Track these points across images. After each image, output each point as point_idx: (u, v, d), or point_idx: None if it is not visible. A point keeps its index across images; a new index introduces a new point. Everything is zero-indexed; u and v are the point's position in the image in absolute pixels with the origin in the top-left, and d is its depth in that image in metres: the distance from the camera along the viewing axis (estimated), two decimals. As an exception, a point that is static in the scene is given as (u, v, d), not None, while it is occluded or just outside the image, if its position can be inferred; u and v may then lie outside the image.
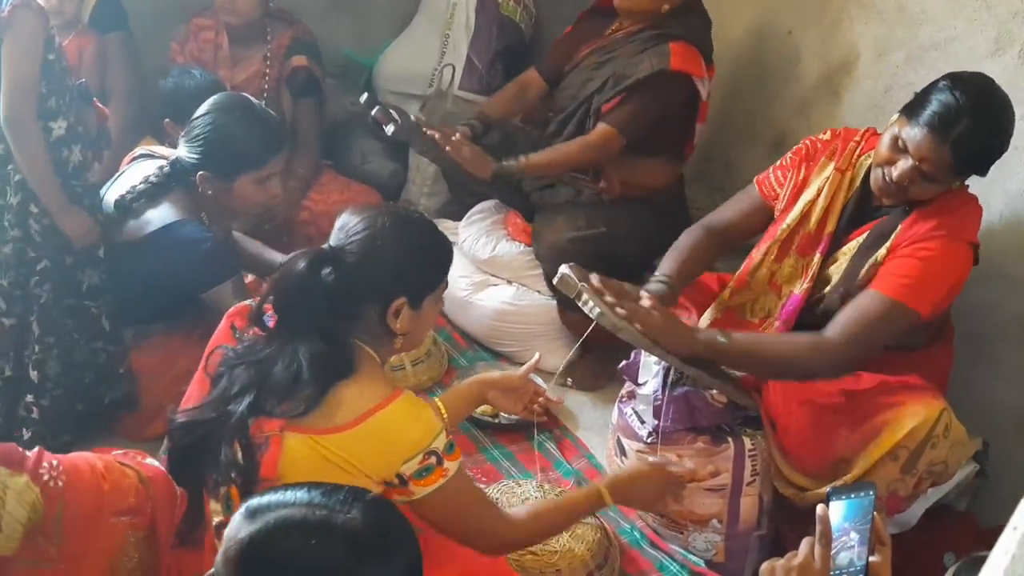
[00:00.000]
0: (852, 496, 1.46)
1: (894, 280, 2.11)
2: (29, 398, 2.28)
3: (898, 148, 2.10)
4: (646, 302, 2.19)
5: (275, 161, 2.46)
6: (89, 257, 2.32)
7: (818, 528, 1.41)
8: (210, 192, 2.42)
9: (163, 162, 2.46)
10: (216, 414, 1.68)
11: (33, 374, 2.27)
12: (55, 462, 1.70)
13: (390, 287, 1.70)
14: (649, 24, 2.88)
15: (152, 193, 2.39)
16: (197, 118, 2.43)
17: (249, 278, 2.67)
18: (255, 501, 1.21)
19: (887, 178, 2.13)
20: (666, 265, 2.42)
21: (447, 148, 2.84)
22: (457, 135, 2.90)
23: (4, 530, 1.59)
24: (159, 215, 2.38)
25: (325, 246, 1.73)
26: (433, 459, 1.65)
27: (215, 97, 2.47)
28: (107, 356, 2.40)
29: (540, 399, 2.23)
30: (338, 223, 1.75)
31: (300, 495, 1.21)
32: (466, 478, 1.76)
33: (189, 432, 1.71)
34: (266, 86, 3.26)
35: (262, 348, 1.71)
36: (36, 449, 1.72)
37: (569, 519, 1.95)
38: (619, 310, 2.13)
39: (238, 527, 1.19)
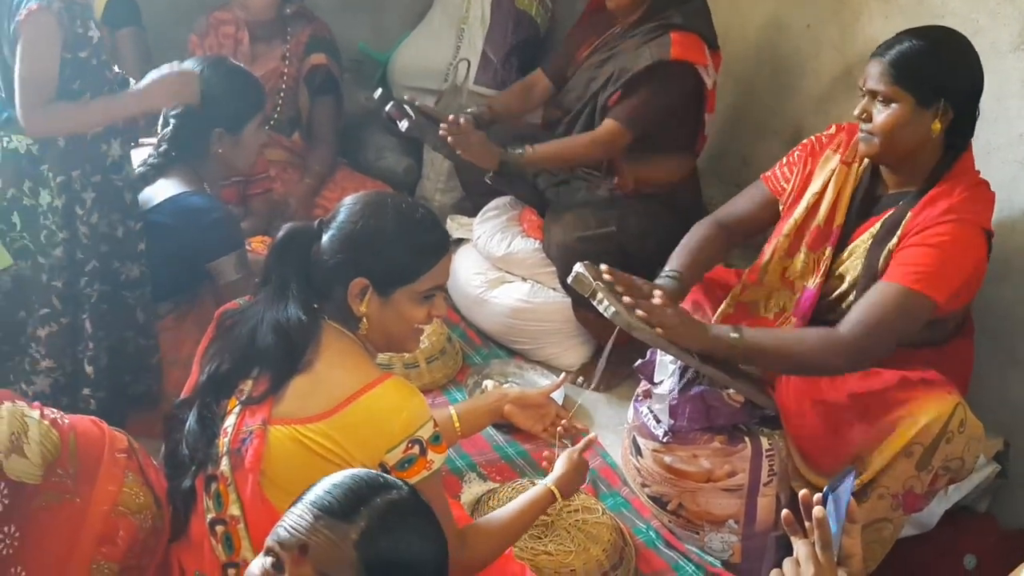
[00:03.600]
0: (840, 485, 1.45)
1: (906, 269, 2.06)
2: (86, 391, 2.31)
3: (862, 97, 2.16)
4: (658, 300, 2.16)
5: (266, 102, 2.62)
6: (129, 251, 2.32)
7: (817, 533, 1.38)
8: (220, 150, 2.48)
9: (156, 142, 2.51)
10: (197, 396, 1.72)
11: (88, 369, 2.29)
12: (53, 409, 1.77)
13: (352, 264, 1.68)
14: (645, 15, 2.85)
15: (155, 169, 2.44)
16: None
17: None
18: (333, 500, 1.25)
19: (860, 126, 2.15)
20: (676, 260, 2.39)
21: (452, 138, 2.80)
22: (463, 121, 2.85)
23: (30, 458, 1.63)
24: (165, 188, 2.42)
25: (318, 220, 1.76)
26: (416, 448, 1.61)
27: (193, 65, 2.49)
28: (136, 347, 2.40)
29: (562, 424, 2.19)
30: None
31: (354, 473, 1.29)
32: (442, 485, 1.73)
33: (177, 417, 1.75)
34: (283, 84, 3.27)
35: (237, 318, 1.76)
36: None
37: (526, 527, 1.93)
38: (639, 312, 2.12)
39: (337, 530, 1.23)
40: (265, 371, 1.67)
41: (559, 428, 2.18)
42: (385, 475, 1.32)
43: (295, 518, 1.25)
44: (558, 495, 1.93)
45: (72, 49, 2.14)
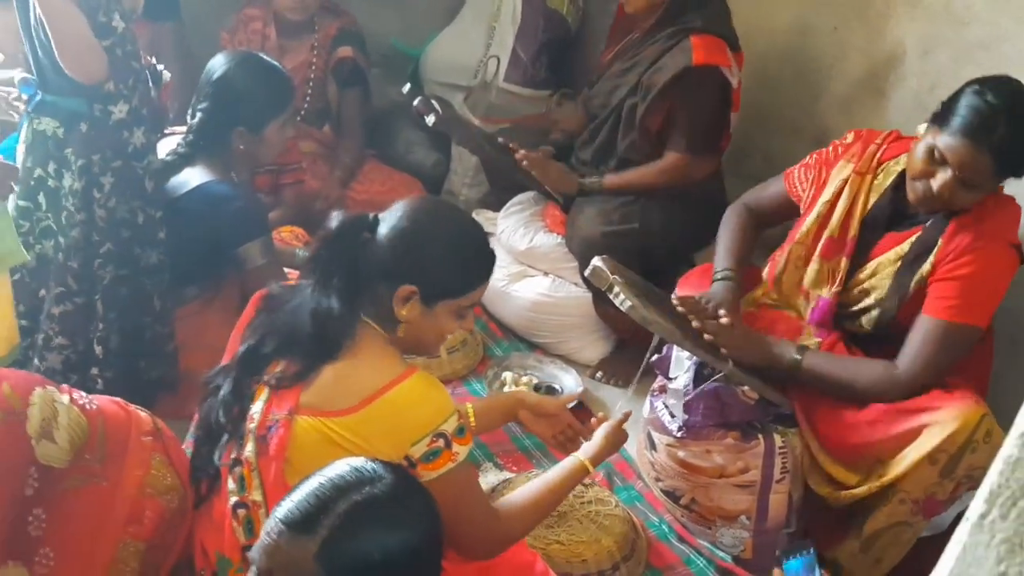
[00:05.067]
0: (798, 556, 1.46)
1: (945, 303, 2.11)
2: (95, 370, 2.37)
3: (934, 160, 2.07)
4: (725, 319, 2.24)
5: (292, 102, 2.65)
6: (149, 238, 2.36)
7: None
8: (241, 147, 2.53)
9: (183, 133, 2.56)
10: (234, 367, 1.75)
11: (98, 349, 2.35)
12: (82, 392, 1.81)
13: (405, 269, 1.70)
14: (664, 17, 2.86)
15: (182, 159, 2.50)
16: (212, 83, 2.53)
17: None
18: (296, 513, 1.23)
19: (927, 191, 2.10)
20: (725, 258, 2.46)
21: (534, 171, 2.93)
22: (541, 153, 2.99)
23: (59, 443, 1.68)
24: (191, 177, 2.48)
25: (372, 214, 1.77)
26: (441, 442, 1.62)
27: (221, 61, 2.57)
28: (153, 334, 2.45)
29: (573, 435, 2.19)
30: (397, 202, 1.79)
31: (325, 478, 1.25)
32: (472, 471, 1.74)
33: (213, 383, 1.77)
34: (312, 76, 3.33)
35: (282, 298, 1.78)
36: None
37: (559, 500, 1.94)
38: (707, 336, 2.21)
39: (297, 545, 1.20)
40: (297, 356, 1.69)
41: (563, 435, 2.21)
42: (363, 468, 1.28)
43: (265, 536, 1.24)
44: (591, 469, 1.95)
45: (95, 37, 2.16)
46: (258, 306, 1.83)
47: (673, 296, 2.31)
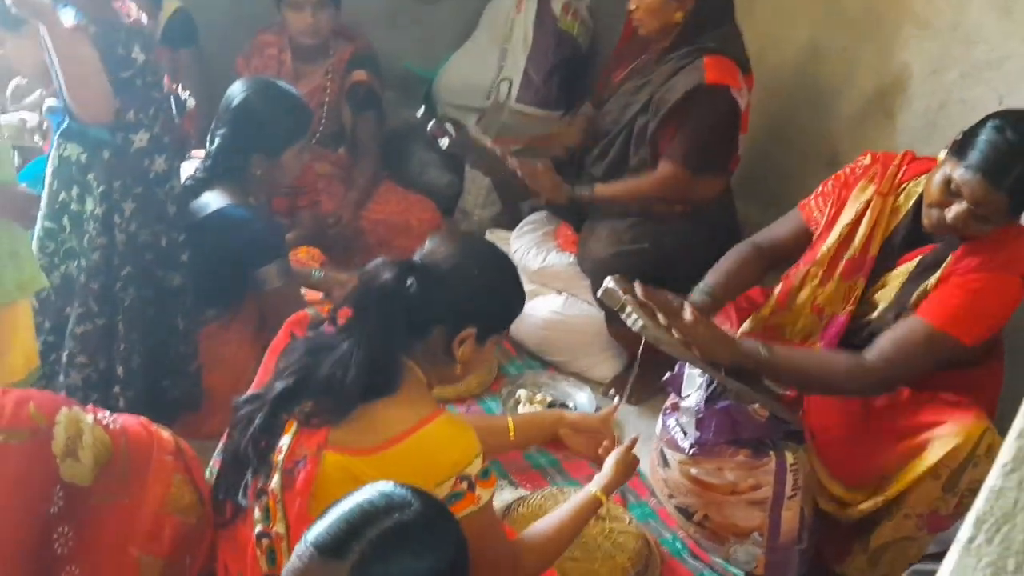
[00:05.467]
0: None
1: (940, 309, 2.11)
2: (116, 389, 2.40)
3: (950, 191, 2.07)
4: (688, 316, 2.22)
5: (309, 128, 2.71)
6: (172, 261, 2.40)
7: None
8: (259, 172, 2.57)
9: (202, 158, 2.61)
10: (269, 401, 1.74)
11: (119, 369, 2.39)
12: (106, 412, 1.84)
13: (467, 313, 1.72)
14: (677, 39, 2.89)
15: (201, 183, 2.54)
16: (231, 109, 2.57)
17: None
18: (328, 537, 1.25)
19: (941, 220, 2.10)
20: (711, 278, 2.45)
21: (527, 179, 2.95)
22: (541, 166, 3.01)
23: (83, 461, 1.72)
24: (210, 201, 2.53)
25: (415, 258, 1.76)
26: (464, 484, 1.62)
27: (240, 88, 2.61)
28: (176, 353, 2.48)
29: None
30: (428, 241, 1.79)
31: (356, 504, 1.27)
32: (493, 513, 1.74)
33: (245, 408, 1.77)
34: (327, 100, 3.37)
35: (325, 341, 1.76)
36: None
37: (575, 535, 1.93)
38: (662, 320, 2.18)
39: (328, 569, 1.22)
40: (335, 400, 1.67)
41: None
42: (392, 494, 1.30)
43: (295, 559, 1.26)
44: (604, 500, 1.95)
45: (113, 70, 2.20)
46: (293, 332, 1.84)
47: (638, 285, 2.27)
